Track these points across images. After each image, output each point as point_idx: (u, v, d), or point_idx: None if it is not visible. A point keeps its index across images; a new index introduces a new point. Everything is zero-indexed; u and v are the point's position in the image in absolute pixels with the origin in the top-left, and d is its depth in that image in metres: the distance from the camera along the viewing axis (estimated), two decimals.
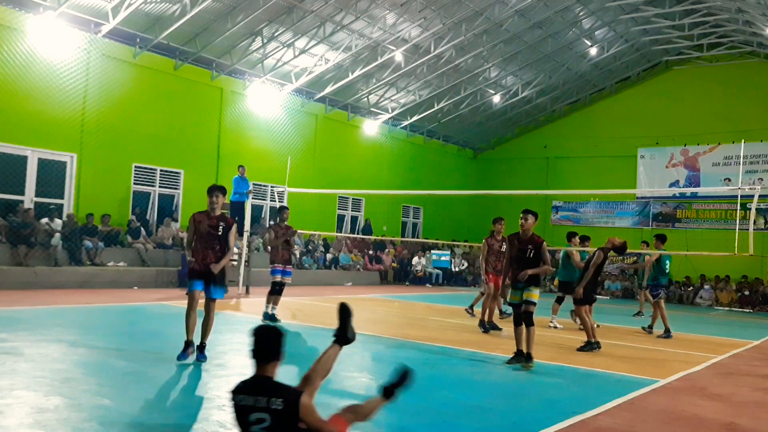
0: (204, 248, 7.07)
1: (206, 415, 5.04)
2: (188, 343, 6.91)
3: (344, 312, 4.53)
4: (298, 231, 13.95)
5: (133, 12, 15.71)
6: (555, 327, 12.18)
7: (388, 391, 4.27)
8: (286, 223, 10.83)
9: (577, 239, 12.64)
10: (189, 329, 6.93)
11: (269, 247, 11.09)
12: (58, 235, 14.48)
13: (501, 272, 10.21)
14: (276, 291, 10.68)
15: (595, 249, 10.26)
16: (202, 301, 7.17)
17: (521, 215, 8.15)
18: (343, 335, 4.46)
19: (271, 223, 20.50)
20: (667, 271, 12.63)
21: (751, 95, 24.60)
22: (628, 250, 10.45)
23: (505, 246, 10.59)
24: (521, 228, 8.13)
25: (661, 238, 12.78)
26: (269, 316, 10.67)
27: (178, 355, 6.81)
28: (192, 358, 6.94)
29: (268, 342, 3.62)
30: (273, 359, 3.60)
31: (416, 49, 21.00)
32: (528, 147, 29.69)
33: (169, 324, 10.00)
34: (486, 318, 11.24)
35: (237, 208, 16.39)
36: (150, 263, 16.16)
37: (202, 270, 7.03)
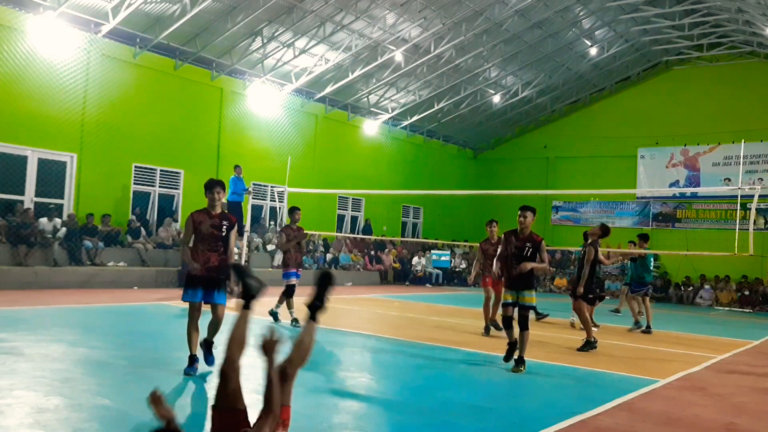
0: (207, 250, 6.48)
1: (207, 414, 5.03)
2: (193, 358, 6.49)
3: (238, 270, 4.00)
4: None
5: (133, 12, 15.70)
6: (572, 322, 12.48)
7: (314, 307, 3.82)
8: (297, 224, 10.72)
9: None
10: (192, 344, 6.47)
11: (279, 249, 11.04)
12: (59, 233, 14.48)
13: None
14: (285, 293, 10.64)
15: (584, 247, 10.51)
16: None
17: (520, 212, 7.87)
18: (246, 290, 3.82)
19: (272, 224, 20.74)
20: (651, 269, 13.12)
21: (751, 95, 24.58)
22: (623, 251, 10.56)
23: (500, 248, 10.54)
24: (520, 225, 7.84)
25: (644, 238, 13.39)
26: (274, 314, 10.72)
27: (185, 369, 6.42)
28: (198, 369, 6.58)
29: None
30: None
31: (416, 49, 20.99)
32: (528, 147, 29.67)
33: (169, 324, 10.02)
34: (487, 321, 11.24)
35: (234, 208, 16.37)
36: (150, 263, 16.16)
37: (204, 276, 6.44)
